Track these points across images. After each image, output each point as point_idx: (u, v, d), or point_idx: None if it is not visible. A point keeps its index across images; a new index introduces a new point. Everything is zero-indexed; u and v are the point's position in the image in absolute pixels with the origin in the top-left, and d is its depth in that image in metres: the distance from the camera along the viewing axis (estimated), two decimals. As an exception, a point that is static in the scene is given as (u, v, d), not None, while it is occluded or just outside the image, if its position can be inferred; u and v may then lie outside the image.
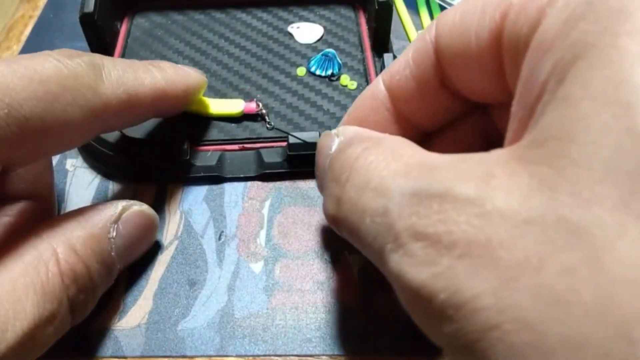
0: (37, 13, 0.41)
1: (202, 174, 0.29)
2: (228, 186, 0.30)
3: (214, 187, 0.30)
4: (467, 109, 0.22)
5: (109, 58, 0.23)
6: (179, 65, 0.27)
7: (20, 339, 0.18)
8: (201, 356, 0.24)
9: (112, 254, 0.23)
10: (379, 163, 0.18)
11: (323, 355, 0.24)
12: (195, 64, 0.35)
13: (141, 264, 0.27)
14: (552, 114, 0.14)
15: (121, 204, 0.24)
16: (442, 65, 0.21)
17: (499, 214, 0.13)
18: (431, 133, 0.24)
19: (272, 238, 0.28)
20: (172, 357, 0.24)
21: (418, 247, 0.15)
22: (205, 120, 0.31)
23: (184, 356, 0.24)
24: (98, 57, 0.23)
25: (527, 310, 0.12)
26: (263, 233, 0.28)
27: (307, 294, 0.26)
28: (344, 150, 0.19)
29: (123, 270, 0.25)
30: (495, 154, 0.15)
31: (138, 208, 0.25)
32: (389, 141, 0.19)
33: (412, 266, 0.15)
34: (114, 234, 0.23)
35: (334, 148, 0.21)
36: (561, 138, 0.13)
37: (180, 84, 0.26)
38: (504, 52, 0.18)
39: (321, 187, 0.22)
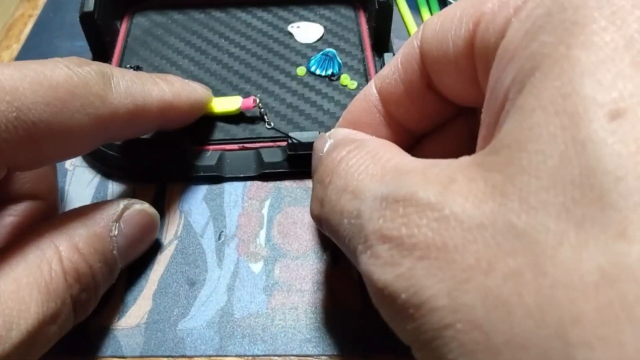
0: (37, 12, 0.40)
1: (201, 174, 0.29)
2: (228, 186, 0.30)
3: (214, 186, 0.30)
4: (455, 112, 0.23)
5: (117, 68, 0.24)
6: (187, 80, 0.28)
7: (24, 338, 0.19)
8: (201, 356, 0.24)
9: (114, 252, 0.23)
10: (358, 167, 0.19)
11: (322, 355, 0.24)
12: (195, 63, 0.35)
13: (141, 264, 0.27)
14: (509, 122, 0.14)
15: (123, 203, 0.24)
16: (426, 70, 0.21)
17: (455, 218, 0.14)
18: (422, 136, 0.24)
19: (271, 238, 0.28)
20: (172, 356, 0.24)
21: (384, 249, 0.16)
22: (205, 119, 0.31)
23: (183, 356, 0.24)
24: (107, 67, 0.23)
25: (477, 311, 0.13)
26: (263, 233, 0.28)
27: (306, 294, 0.26)
28: (330, 152, 0.20)
29: (123, 268, 0.25)
30: (461, 160, 0.16)
31: (139, 207, 0.25)
32: (372, 144, 0.19)
33: (378, 267, 0.16)
34: (116, 232, 0.23)
35: (324, 150, 0.21)
36: (513, 146, 0.14)
37: (186, 97, 0.27)
38: (476, 60, 0.18)
39: (314, 167, 0.23)
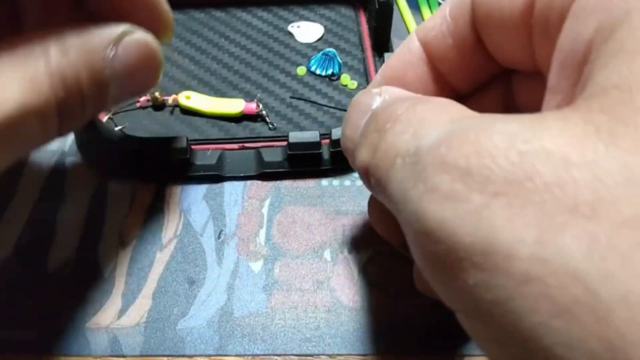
0: (37, 11, 0.40)
1: (201, 173, 0.29)
2: (228, 185, 0.30)
3: (214, 186, 0.30)
4: (495, 74, 0.22)
5: None
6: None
7: (5, 121, 0.18)
8: (200, 355, 0.24)
9: (106, 72, 0.21)
10: (424, 114, 0.16)
11: (322, 354, 0.24)
12: (195, 62, 0.35)
13: (140, 263, 0.27)
14: (607, 68, 0.13)
15: (124, 27, 0.22)
16: (476, 24, 0.20)
17: (546, 153, 0.12)
18: (461, 97, 0.23)
19: (271, 237, 0.28)
20: (171, 356, 0.24)
21: (445, 181, 0.13)
22: (205, 119, 0.31)
23: (183, 355, 0.24)
24: None
25: (579, 263, 0.11)
26: (263, 232, 0.28)
27: (306, 293, 0.26)
28: (390, 104, 0.18)
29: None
30: (544, 111, 0.14)
31: (142, 36, 0.22)
32: (438, 100, 0.18)
33: (434, 202, 0.13)
34: (111, 54, 0.21)
35: (375, 104, 0.19)
36: (622, 87, 0.12)
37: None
38: (535, 20, 0.17)
39: (348, 145, 0.21)
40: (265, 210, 0.29)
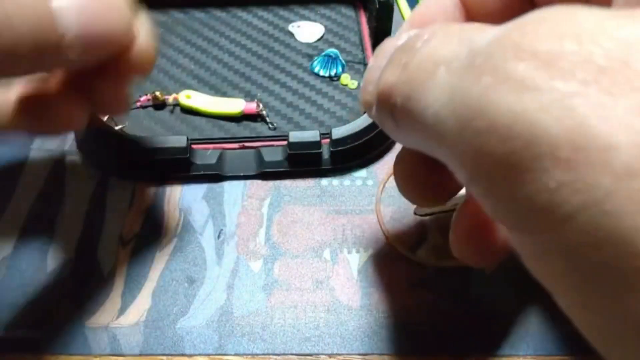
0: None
1: (201, 172, 0.29)
2: (228, 185, 0.30)
3: (214, 185, 0.30)
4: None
5: None
6: None
7: None
8: (200, 354, 0.24)
9: (56, 25, 0.17)
10: (464, 27, 0.14)
11: (321, 354, 0.24)
12: (195, 62, 0.35)
13: (140, 262, 0.27)
14: None
15: None
16: None
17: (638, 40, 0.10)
18: None
19: (271, 237, 0.28)
20: (171, 355, 0.24)
21: (520, 68, 0.11)
22: (206, 118, 0.31)
23: (182, 354, 0.24)
24: None
25: None
26: (262, 232, 0.28)
27: (306, 292, 0.26)
28: (418, 33, 0.16)
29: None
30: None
31: None
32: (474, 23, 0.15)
33: (508, 93, 0.11)
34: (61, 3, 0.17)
35: (401, 41, 0.17)
36: None
37: None
38: None
39: (368, 89, 0.17)
40: (265, 209, 0.29)
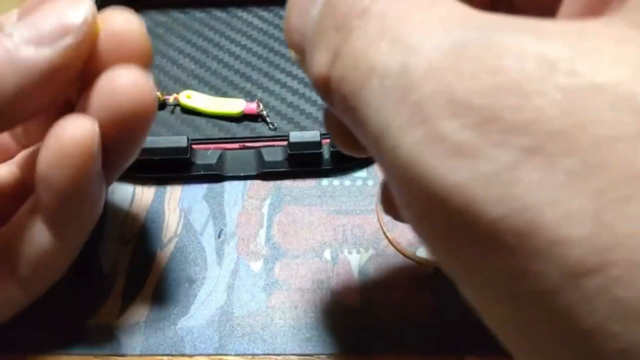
0: (38, 10, 0.40)
1: (202, 173, 0.29)
2: (228, 185, 0.30)
3: (214, 185, 0.30)
4: None
5: None
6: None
7: None
8: (200, 354, 0.24)
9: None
10: (407, 10, 0.12)
11: (322, 354, 0.24)
12: (196, 62, 0.35)
13: (140, 262, 0.27)
14: None
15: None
16: None
17: (603, 92, 0.08)
18: None
19: (271, 237, 0.28)
20: (171, 355, 0.24)
21: (454, 127, 0.09)
22: (206, 118, 0.31)
23: (183, 354, 0.24)
24: None
25: None
26: (263, 232, 0.28)
27: (306, 293, 0.26)
28: None
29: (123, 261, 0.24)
30: (576, 22, 0.10)
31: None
32: None
33: (442, 157, 0.09)
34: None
35: None
36: None
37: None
38: None
39: (295, 38, 0.15)
40: (265, 210, 0.29)
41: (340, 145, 0.19)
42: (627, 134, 0.08)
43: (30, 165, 0.22)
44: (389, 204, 0.20)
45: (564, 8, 0.12)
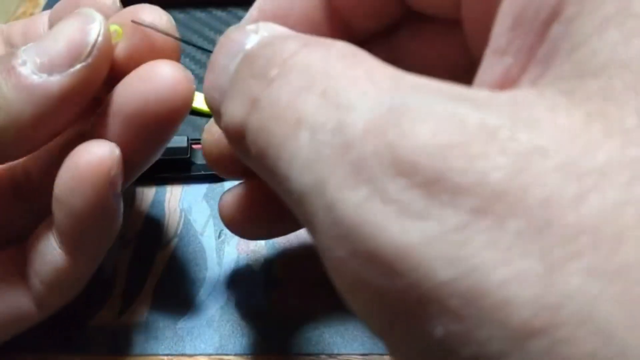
0: (38, 11, 0.41)
1: (202, 173, 0.29)
2: (228, 185, 0.29)
3: (215, 185, 0.30)
4: (407, 15, 0.17)
5: None
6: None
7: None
8: (200, 354, 0.24)
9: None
10: (332, 66, 0.11)
11: (322, 354, 0.24)
12: (196, 62, 0.35)
13: (140, 262, 0.27)
14: (603, 34, 0.10)
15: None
16: None
17: (544, 155, 0.09)
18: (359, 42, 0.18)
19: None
20: (171, 355, 0.24)
21: (399, 187, 0.09)
22: (206, 118, 0.31)
23: (183, 354, 0.24)
24: None
25: (601, 308, 0.08)
26: (263, 232, 0.28)
27: (306, 292, 0.26)
28: (273, 44, 0.13)
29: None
30: (521, 90, 0.10)
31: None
32: (338, 44, 0.12)
33: (390, 217, 0.09)
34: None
35: (250, 44, 0.14)
36: (630, 65, 0.09)
37: None
38: None
39: (213, 95, 0.15)
40: (265, 209, 0.29)
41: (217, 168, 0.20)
42: (569, 194, 0.08)
43: (45, 167, 0.22)
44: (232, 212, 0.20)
45: (482, 75, 0.12)
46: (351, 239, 0.10)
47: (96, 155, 0.18)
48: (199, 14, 0.37)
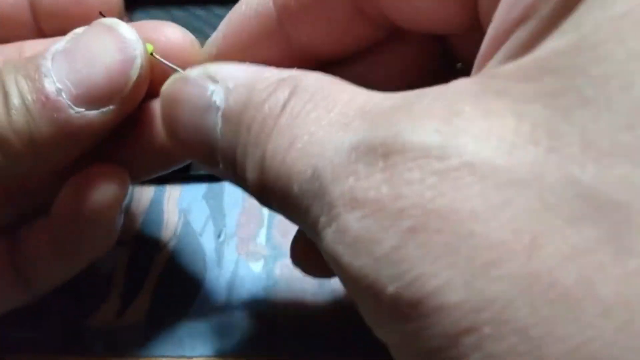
0: (38, 8, 0.40)
1: (201, 172, 0.29)
2: (228, 185, 0.29)
3: (214, 185, 0.29)
4: (386, 34, 0.18)
5: None
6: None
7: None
8: (199, 356, 0.24)
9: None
10: (306, 116, 0.13)
11: (322, 354, 0.24)
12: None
13: (139, 262, 0.26)
14: (557, 35, 0.10)
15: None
16: None
17: (470, 170, 0.10)
18: (333, 64, 0.18)
19: (272, 237, 0.27)
20: (171, 356, 0.24)
21: (355, 219, 0.11)
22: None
23: (182, 356, 0.24)
24: None
25: (517, 309, 0.09)
26: (263, 232, 0.28)
27: (307, 293, 0.25)
28: (246, 101, 0.14)
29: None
30: (460, 83, 0.11)
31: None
32: (314, 82, 0.14)
33: (348, 245, 0.11)
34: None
35: (218, 99, 0.15)
36: (574, 65, 0.10)
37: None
38: None
39: (199, 153, 0.17)
40: (265, 210, 0.28)
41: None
42: (489, 206, 0.10)
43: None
44: (298, 256, 0.22)
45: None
46: (334, 266, 0.12)
47: (108, 195, 0.18)
48: (200, 12, 0.37)
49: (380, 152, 0.11)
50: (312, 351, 0.24)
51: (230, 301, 0.25)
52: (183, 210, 0.28)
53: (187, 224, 0.28)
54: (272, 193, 0.14)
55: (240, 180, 0.16)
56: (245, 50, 0.18)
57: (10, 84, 0.16)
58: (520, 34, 0.11)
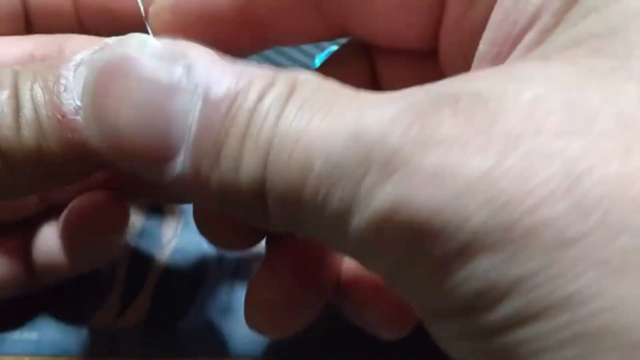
0: None
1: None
2: (229, 184, 0.29)
3: (215, 185, 0.29)
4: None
5: None
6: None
7: None
8: (200, 356, 0.24)
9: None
10: (312, 105, 0.12)
11: (323, 354, 0.24)
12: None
13: (139, 262, 0.26)
14: (593, 14, 0.11)
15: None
16: None
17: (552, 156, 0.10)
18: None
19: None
20: (171, 357, 0.24)
21: (435, 155, 0.10)
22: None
23: (182, 356, 0.24)
24: None
25: (625, 206, 0.09)
26: (264, 232, 0.28)
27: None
28: (234, 92, 0.12)
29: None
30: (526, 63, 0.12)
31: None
32: (316, 77, 0.13)
33: (420, 187, 0.10)
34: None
35: (186, 84, 0.13)
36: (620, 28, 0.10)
37: None
38: None
39: (156, 146, 0.13)
40: (266, 209, 0.28)
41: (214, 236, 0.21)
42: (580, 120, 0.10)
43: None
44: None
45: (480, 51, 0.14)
46: (385, 224, 0.11)
47: (116, 227, 0.20)
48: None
49: (452, 100, 0.11)
50: (312, 352, 0.24)
51: (230, 301, 0.25)
52: (183, 209, 0.28)
53: (187, 223, 0.28)
54: (275, 190, 0.12)
55: (218, 184, 0.13)
56: (201, 20, 0.16)
57: (24, 92, 0.14)
58: (531, 35, 0.12)
